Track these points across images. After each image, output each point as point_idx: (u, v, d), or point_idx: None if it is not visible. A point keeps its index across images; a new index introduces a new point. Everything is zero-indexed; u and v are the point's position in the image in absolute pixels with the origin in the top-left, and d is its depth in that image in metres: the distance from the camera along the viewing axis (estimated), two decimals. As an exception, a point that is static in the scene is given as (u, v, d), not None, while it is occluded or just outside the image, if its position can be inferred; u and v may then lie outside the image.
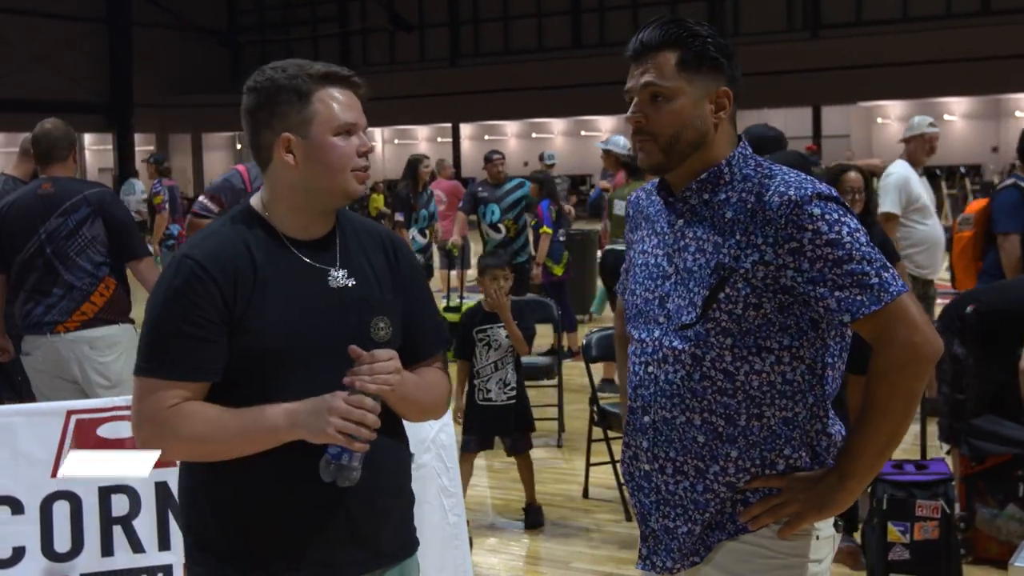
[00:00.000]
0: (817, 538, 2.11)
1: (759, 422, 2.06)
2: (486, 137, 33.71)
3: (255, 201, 2.14)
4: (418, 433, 3.31)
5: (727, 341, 2.04)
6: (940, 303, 6.08)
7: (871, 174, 6.00)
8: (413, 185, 9.94)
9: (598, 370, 6.03)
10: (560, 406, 6.74)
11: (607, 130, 28.60)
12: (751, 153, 2.15)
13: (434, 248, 10.46)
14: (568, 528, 5.20)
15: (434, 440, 3.50)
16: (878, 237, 4.82)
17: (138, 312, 4.63)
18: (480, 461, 5.92)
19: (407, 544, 2.24)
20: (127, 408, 3.26)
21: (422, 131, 36.04)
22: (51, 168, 4.78)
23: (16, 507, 3.22)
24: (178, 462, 2.19)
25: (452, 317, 7.77)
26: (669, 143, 2.09)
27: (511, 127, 34.69)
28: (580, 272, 10.56)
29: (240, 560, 2.07)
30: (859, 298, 1.97)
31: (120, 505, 3.28)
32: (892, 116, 29.75)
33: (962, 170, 21.98)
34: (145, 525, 3.29)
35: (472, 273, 9.59)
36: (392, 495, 2.17)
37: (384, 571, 2.17)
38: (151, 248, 10.07)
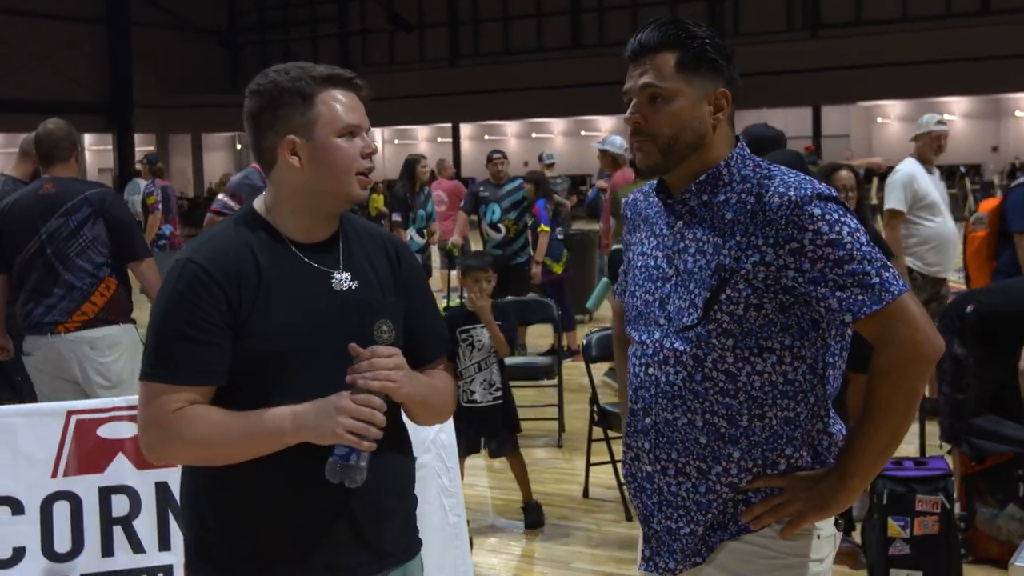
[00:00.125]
0: (818, 537, 2.11)
1: (761, 422, 2.06)
2: (486, 137, 33.74)
3: (258, 204, 2.14)
4: (418, 434, 3.30)
5: (728, 342, 2.05)
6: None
7: (873, 172, 6.01)
8: (411, 185, 9.96)
9: (598, 370, 6.02)
10: (560, 406, 6.73)
11: (607, 130, 28.60)
12: (749, 153, 2.15)
13: (433, 248, 10.46)
14: (568, 528, 5.19)
15: (434, 440, 3.51)
16: (869, 235, 4.81)
17: (139, 313, 4.66)
18: (480, 461, 5.92)
19: (410, 545, 2.24)
20: (127, 408, 3.27)
21: (422, 131, 36.07)
22: (53, 168, 4.78)
23: (16, 507, 3.21)
24: (180, 466, 2.19)
25: (452, 317, 7.74)
26: (667, 144, 2.09)
27: (511, 127, 34.72)
28: (580, 272, 10.57)
29: (243, 565, 2.06)
30: (860, 298, 1.97)
31: (120, 505, 3.28)
32: (892, 116, 29.79)
33: (962, 170, 22.01)
34: (145, 525, 3.29)
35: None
36: (396, 497, 2.17)
37: (388, 573, 2.16)
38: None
